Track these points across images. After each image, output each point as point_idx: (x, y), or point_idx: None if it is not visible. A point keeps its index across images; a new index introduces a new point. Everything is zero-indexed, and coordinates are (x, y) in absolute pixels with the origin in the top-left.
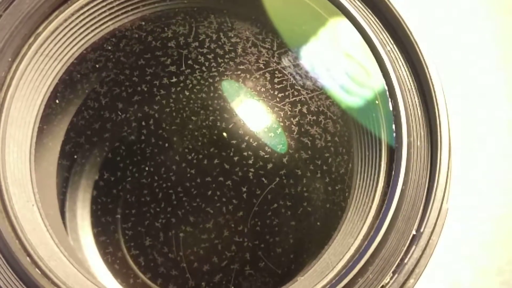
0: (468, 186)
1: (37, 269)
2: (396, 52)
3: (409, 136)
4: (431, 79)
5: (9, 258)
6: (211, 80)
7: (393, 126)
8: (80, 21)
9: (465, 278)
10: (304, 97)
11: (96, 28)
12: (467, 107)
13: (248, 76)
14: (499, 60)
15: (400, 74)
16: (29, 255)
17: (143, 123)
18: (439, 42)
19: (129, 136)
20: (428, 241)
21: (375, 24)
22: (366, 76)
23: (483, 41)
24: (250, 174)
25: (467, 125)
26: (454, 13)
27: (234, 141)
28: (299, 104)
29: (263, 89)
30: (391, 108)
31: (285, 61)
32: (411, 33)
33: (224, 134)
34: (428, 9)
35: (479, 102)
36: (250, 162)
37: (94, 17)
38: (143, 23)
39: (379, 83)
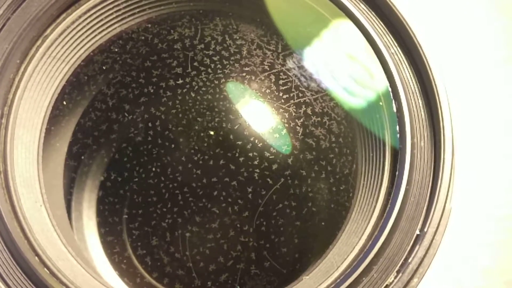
0: (470, 186)
1: (45, 269)
2: (400, 54)
3: (412, 137)
4: (434, 81)
5: (18, 258)
6: (216, 82)
7: (397, 127)
8: (87, 24)
9: (467, 278)
10: (308, 99)
11: (103, 30)
12: (470, 108)
13: (253, 77)
14: (503, 62)
15: (403, 76)
16: (37, 255)
17: (150, 124)
18: (442, 44)
19: (135, 137)
20: (431, 241)
21: (379, 27)
22: (370, 78)
23: (487, 43)
24: (256, 174)
25: (470, 126)
26: (457, 15)
27: (239, 142)
28: (303, 106)
29: (268, 91)
30: (395, 110)
31: (290, 63)
32: (414, 36)
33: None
34: (431, 12)
35: (482, 103)
36: (256, 162)
37: (101, 20)
38: (150, 25)
39: (383, 85)
